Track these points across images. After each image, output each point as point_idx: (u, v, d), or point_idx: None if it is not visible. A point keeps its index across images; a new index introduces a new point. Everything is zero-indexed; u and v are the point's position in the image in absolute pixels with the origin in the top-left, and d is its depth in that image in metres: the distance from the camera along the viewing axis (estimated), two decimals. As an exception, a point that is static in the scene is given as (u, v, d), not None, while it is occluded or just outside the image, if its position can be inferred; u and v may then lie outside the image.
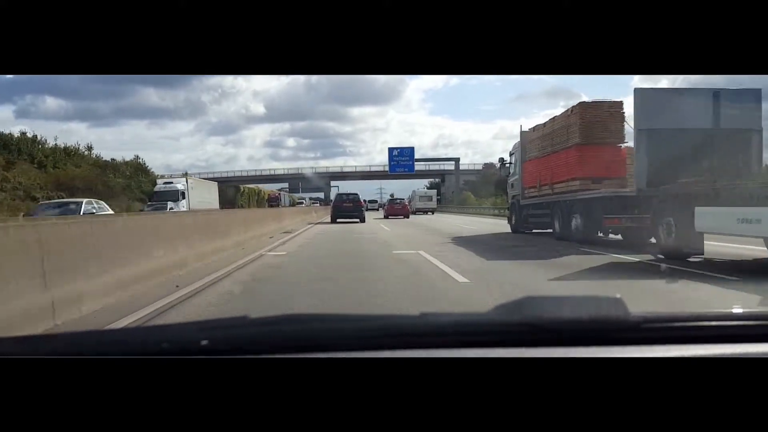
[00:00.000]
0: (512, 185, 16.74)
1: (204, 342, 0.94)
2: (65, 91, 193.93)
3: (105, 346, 1.02)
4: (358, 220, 24.47)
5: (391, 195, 46.92)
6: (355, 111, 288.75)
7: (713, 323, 1.06)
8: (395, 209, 33.54)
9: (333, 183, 71.77)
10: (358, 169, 74.90)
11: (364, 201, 32.27)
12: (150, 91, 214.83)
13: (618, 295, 1.05)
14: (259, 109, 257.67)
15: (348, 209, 24.99)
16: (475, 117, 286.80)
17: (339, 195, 27.28)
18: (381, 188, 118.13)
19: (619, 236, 11.43)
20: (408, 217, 31.76)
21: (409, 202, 45.60)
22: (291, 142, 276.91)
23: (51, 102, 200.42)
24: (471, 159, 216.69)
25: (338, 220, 24.63)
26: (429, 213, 44.38)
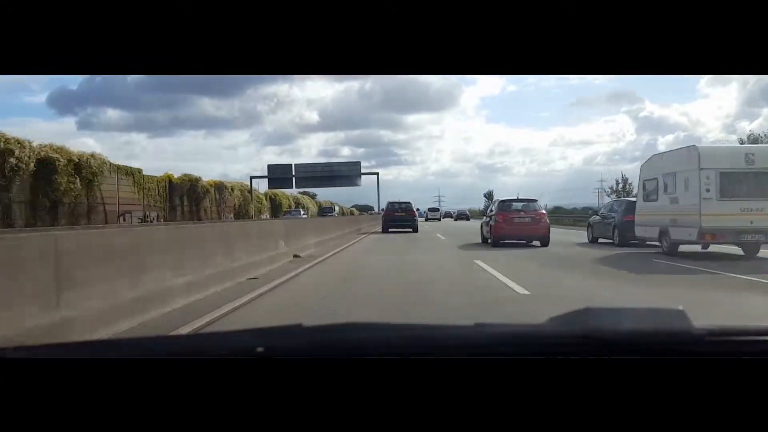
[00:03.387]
0: None
1: (259, 349, 0.99)
2: (124, 101, 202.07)
3: (161, 353, 1.06)
4: (410, 229, 23.82)
5: (495, 199, 19.01)
6: (410, 118, 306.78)
7: None
8: (521, 226, 14.38)
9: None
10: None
11: (418, 210, 30.44)
12: (205, 100, 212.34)
13: (680, 307, 1.03)
14: (313, 117, 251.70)
15: (400, 219, 24.26)
16: (532, 124, 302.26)
17: (390, 204, 25.64)
18: (439, 195, 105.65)
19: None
20: (547, 245, 14.10)
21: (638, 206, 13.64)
22: (346, 150, 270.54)
23: (111, 113, 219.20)
24: (527, 167, 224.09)
25: (390, 230, 23.91)
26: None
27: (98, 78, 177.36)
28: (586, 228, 17.66)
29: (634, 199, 15.04)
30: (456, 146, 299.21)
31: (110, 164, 23.52)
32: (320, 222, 20.20)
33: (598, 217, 16.54)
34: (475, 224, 32.83)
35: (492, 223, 14.54)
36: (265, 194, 48.83)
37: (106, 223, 21.48)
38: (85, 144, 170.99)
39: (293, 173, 46.77)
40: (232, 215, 37.93)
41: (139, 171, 26.65)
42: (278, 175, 46.28)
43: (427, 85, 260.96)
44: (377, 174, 50.37)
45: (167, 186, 29.79)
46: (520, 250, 13.18)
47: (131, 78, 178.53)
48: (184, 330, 4.30)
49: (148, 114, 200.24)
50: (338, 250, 13.38)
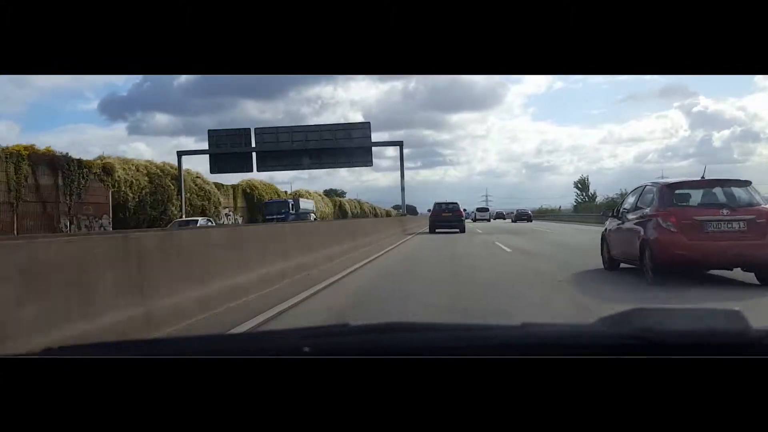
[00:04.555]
0: None
1: (306, 349, 0.99)
2: (171, 106, 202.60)
3: (212, 353, 1.06)
4: (457, 230, 23.25)
5: (647, 185, 7.77)
6: (454, 118, 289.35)
7: None
8: (725, 239, 6.44)
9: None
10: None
11: (465, 210, 28.56)
12: (250, 104, 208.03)
13: (737, 308, 0.99)
14: (358, 118, 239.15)
15: (447, 219, 23.63)
16: (581, 121, 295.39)
17: (437, 204, 24.79)
18: (487, 195, 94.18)
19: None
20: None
21: None
22: (391, 151, 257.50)
23: (160, 117, 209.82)
24: (576, 165, 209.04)
25: (437, 230, 23.43)
26: None
27: (147, 83, 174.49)
28: None
29: None
30: (502, 145, 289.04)
31: None
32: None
33: None
34: (540, 229, 26.22)
35: (649, 233, 6.82)
36: (237, 187, 32.25)
37: None
38: (138, 149, 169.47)
39: (252, 144, 27.43)
40: (107, 218, 21.67)
41: None
42: (227, 149, 26.93)
43: (471, 84, 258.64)
44: (401, 144, 32.58)
45: None
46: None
47: (177, 82, 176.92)
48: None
49: (195, 118, 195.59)
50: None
